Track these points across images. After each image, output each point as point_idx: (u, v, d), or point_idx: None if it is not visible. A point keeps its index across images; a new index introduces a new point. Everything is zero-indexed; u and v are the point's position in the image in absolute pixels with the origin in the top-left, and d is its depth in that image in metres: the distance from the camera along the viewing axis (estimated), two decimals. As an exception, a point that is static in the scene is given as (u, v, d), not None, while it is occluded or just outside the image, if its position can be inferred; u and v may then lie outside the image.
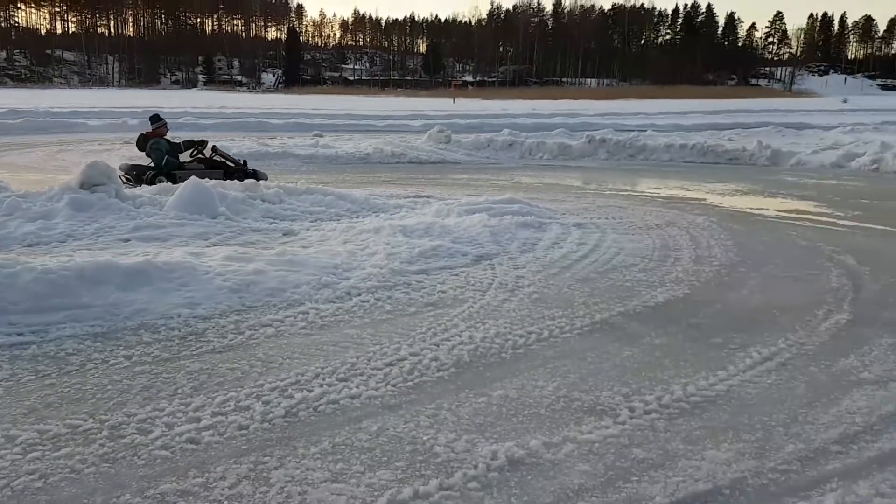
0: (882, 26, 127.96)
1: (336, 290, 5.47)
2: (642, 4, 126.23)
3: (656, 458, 3.07)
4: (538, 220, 8.22)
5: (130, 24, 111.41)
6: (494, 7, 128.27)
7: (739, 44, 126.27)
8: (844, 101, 60.28)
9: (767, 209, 10.20)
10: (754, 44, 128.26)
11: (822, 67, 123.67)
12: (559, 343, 4.55)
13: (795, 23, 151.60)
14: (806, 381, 3.95)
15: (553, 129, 22.34)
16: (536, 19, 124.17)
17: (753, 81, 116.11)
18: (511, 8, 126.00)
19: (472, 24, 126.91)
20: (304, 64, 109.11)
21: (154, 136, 10.99)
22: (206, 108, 33.46)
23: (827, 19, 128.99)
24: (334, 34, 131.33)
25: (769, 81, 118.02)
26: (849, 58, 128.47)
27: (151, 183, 10.28)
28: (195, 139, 11.71)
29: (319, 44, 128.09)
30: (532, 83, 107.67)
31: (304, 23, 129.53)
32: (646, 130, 21.72)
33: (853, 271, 6.43)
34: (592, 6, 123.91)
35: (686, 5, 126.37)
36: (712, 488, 2.82)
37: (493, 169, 15.43)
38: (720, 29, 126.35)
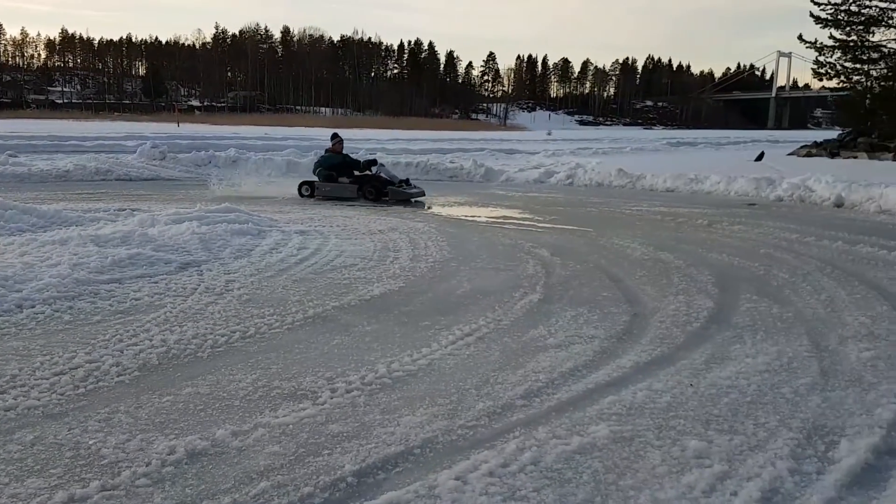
0: (577, 68, 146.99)
1: (3, 302, 4.67)
2: (370, 38, 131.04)
3: (352, 430, 2.98)
4: (257, 228, 7.90)
5: None
6: (220, 31, 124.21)
7: (460, 80, 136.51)
8: (549, 134, 67.57)
9: (479, 216, 10.91)
10: (472, 81, 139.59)
11: (530, 104, 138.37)
12: (266, 339, 4.33)
13: (506, 63, 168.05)
14: (500, 350, 4.17)
15: (284, 150, 21.99)
16: (265, 45, 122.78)
17: (474, 116, 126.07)
18: (238, 33, 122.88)
19: (197, 47, 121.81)
20: (2, 86, 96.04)
21: (331, 151, 12.89)
22: None
23: (532, 61, 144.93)
24: (39, 55, 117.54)
25: (487, 116, 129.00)
26: (552, 96, 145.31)
27: (299, 188, 12.84)
28: (371, 158, 13.49)
29: (21, 65, 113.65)
30: (265, 110, 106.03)
31: (3, 42, 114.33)
32: (376, 153, 22.31)
33: (547, 261, 7.04)
34: (321, 36, 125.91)
35: (410, 42, 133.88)
36: (404, 450, 2.80)
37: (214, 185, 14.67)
38: (442, 66, 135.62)
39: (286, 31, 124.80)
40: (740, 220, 10.29)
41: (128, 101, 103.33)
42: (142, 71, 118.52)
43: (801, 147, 29.02)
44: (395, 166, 17.89)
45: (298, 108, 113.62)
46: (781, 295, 5.57)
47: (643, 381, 3.64)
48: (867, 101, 30.52)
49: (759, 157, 22.85)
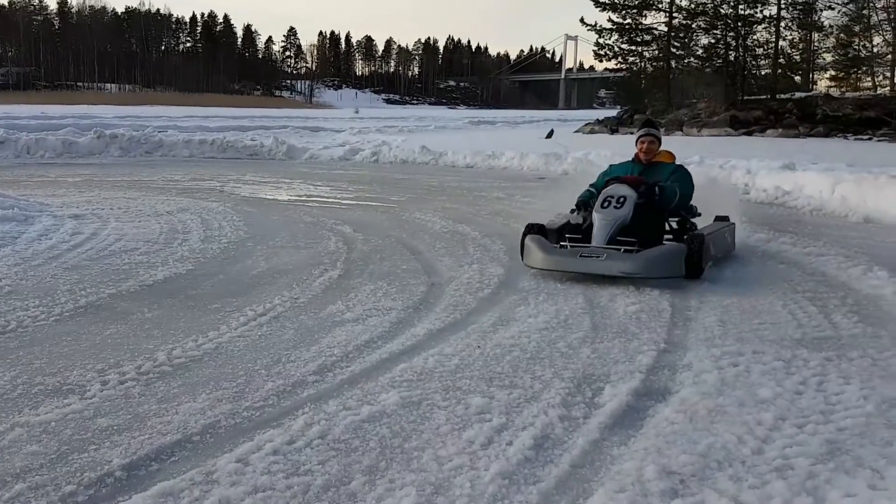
0: (381, 47, 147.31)
1: None
2: (158, 10, 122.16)
3: (123, 422, 2.77)
4: (23, 214, 7.13)
5: None
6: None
7: (260, 56, 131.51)
8: (356, 112, 67.39)
9: (281, 195, 10.63)
10: (274, 57, 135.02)
11: (335, 82, 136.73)
12: (29, 332, 3.92)
13: (308, 40, 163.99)
14: (294, 328, 4.07)
15: (61, 129, 19.94)
16: (40, 17, 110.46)
17: (277, 93, 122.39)
18: (7, 3, 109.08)
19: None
20: None
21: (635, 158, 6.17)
22: None
23: (335, 38, 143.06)
24: None
25: (291, 93, 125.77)
26: (357, 74, 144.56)
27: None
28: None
29: None
30: (42, 87, 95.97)
31: None
32: (167, 130, 20.93)
33: (349, 237, 7.01)
34: (104, 7, 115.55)
35: (203, 14, 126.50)
36: (181, 438, 2.63)
37: (-24, 170, 13.00)
38: (240, 41, 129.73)
39: (63, 3, 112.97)
40: (531, 192, 10.91)
41: None
42: None
43: (586, 125, 31.41)
44: (188, 144, 16.90)
45: (80, 84, 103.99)
46: (563, 259, 5.96)
47: (435, 346, 3.73)
48: (643, 80, 33.71)
49: (549, 135, 24.40)
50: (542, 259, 5.26)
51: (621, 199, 5.38)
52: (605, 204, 5.39)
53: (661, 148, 6.05)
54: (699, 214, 5.98)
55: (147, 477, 2.36)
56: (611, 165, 6.37)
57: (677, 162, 6.09)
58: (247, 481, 2.30)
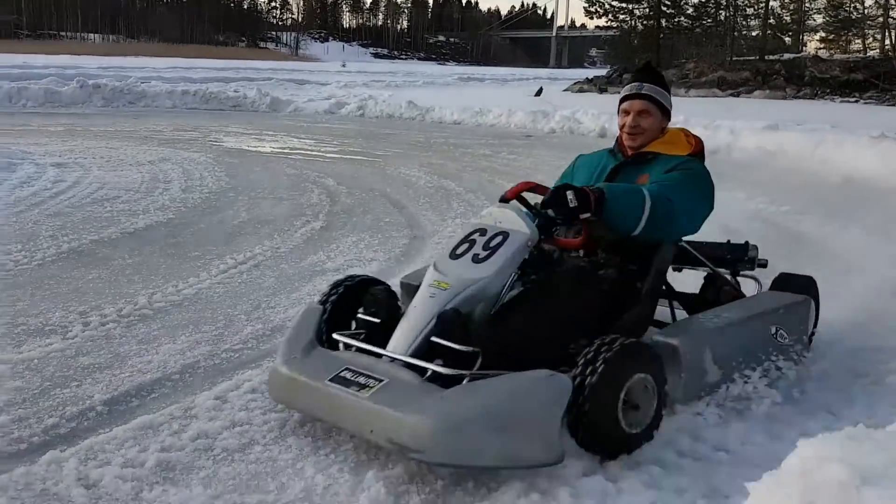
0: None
1: None
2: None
3: (104, 361, 2.84)
4: (6, 161, 7.14)
5: None
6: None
7: (245, 6, 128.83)
8: (343, 66, 66.44)
9: (264, 147, 10.57)
10: (259, 7, 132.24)
11: (322, 34, 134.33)
12: (12, 276, 3.99)
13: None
14: (275, 276, 4.13)
15: (43, 79, 19.58)
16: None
17: (263, 45, 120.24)
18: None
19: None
20: None
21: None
22: None
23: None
24: None
25: (277, 45, 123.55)
26: (345, 27, 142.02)
27: None
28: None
29: None
30: (24, 36, 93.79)
31: None
32: (150, 81, 20.61)
33: (332, 190, 7.02)
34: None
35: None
36: (161, 377, 2.71)
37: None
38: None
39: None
40: (517, 150, 10.91)
41: None
42: None
43: (575, 83, 31.18)
44: (171, 95, 16.62)
45: (64, 34, 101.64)
46: (545, 213, 6.02)
47: (413, 295, 3.79)
48: (633, 39, 33.46)
49: (538, 93, 24.22)
50: (275, 374, 2.34)
51: (495, 241, 2.40)
52: (459, 250, 2.43)
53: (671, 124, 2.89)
54: (761, 264, 3.17)
55: (128, 412, 2.43)
56: (579, 156, 3.09)
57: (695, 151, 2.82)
58: (225, 416, 2.37)
